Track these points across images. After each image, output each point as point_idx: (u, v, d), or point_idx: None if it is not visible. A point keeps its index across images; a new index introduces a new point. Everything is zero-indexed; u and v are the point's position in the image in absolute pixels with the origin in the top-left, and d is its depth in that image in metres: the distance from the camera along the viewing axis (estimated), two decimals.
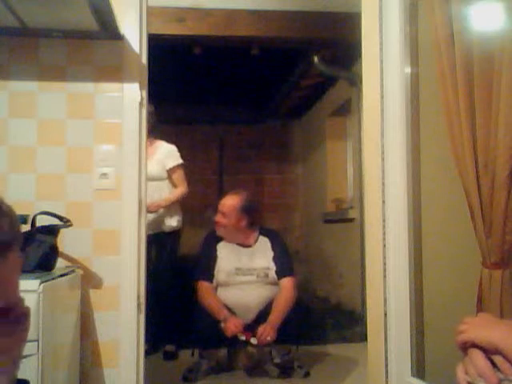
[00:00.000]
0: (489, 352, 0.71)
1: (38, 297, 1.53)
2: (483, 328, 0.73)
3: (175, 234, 3.38)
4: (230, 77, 4.66)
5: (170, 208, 3.33)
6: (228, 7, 3.34)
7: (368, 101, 2.10)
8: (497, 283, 1.63)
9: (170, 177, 3.36)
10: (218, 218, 3.00)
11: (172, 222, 3.33)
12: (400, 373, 1.89)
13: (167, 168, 3.33)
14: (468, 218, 1.68)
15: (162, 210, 3.29)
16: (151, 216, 3.17)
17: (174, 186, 3.38)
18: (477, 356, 0.71)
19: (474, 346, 0.72)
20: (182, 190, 3.37)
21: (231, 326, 2.74)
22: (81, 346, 2.00)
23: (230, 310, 2.87)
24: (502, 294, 1.62)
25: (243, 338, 2.77)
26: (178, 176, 3.37)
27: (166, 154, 3.35)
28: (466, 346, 0.74)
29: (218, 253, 2.98)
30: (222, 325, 2.76)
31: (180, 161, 3.38)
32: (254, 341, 2.76)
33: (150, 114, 3.28)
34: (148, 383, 2.15)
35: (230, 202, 3.01)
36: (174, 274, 3.34)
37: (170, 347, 3.30)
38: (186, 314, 2.95)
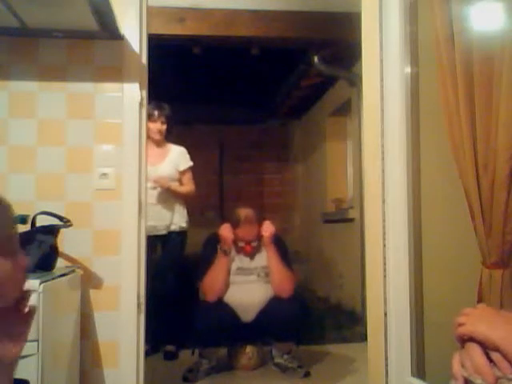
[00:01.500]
0: (487, 348, 0.70)
1: (38, 297, 1.53)
2: (483, 323, 0.72)
3: (183, 234, 3.44)
4: (230, 77, 4.66)
5: (181, 208, 3.39)
6: (228, 7, 3.34)
7: (368, 101, 2.10)
8: (497, 283, 1.62)
9: (180, 178, 3.44)
10: (253, 246, 2.98)
11: (181, 223, 3.40)
12: (400, 373, 1.89)
13: (180, 169, 3.43)
14: (468, 218, 1.68)
15: (175, 210, 3.35)
16: (167, 218, 3.30)
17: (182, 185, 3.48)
18: (474, 351, 0.70)
19: (472, 339, 0.72)
20: (190, 188, 3.46)
21: (224, 233, 2.92)
22: (81, 346, 2.00)
23: (231, 308, 2.88)
24: (502, 294, 1.62)
25: (242, 244, 2.94)
26: (188, 177, 3.48)
27: (179, 156, 3.46)
28: (463, 339, 0.73)
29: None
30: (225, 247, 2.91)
31: (191, 163, 3.50)
32: (254, 243, 2.95)
33: (168, 117, 3.38)
34: (148, 383, 2.15)
35: (256, 229, 2.99)
36: (180, 273, 3.37)
37: (170, 347, 3.31)
38: (187, 314, 2.96)
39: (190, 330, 2.92)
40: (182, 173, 3.44)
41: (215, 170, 6.17)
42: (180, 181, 3.44)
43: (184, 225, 3.41)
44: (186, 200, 3.48)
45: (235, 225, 2.98)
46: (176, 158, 3.43)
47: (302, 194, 6.28)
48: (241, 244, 2.95)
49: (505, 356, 0.68)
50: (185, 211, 3.45)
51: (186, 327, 3.02)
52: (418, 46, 1.98)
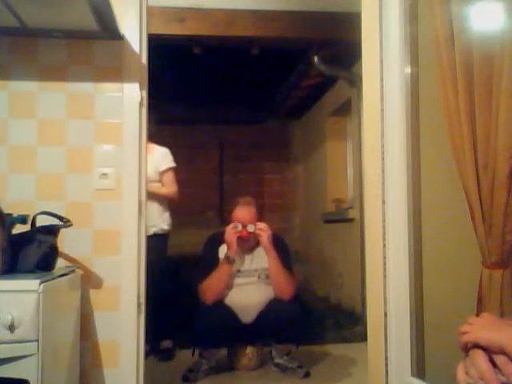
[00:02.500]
0: (492, 352, 0.70)
1: (37, 297, 1.53)
2: (488, 329, 0.72)
3: (165, 236, 3.41)
4: (230, 77, 4.66)
5: (162, 210, 3.35)
6: (228, 7, 3.34)
7: (368, 101, 2.10)
8: (497, 283, 1.62)
9: (161, 179, 3.37)
10: (248, 231, 2.91)
11: (164, 225, 3.36)
12: (400, 373, 1.89)
13: (160, 170, 3.35)
14: (468, 218, 1.68)
15: (156, 214, 3.30)
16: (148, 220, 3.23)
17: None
18: (479, 357, 0.70)
19: (476, 346, 0.72)
20: (170, 189, 3.37)
21: (230, 238, 2.87)
22: (81, 346, 2.00)
23: (231, 309, 2.88)
24: (501, 293, 1.62)
25: (239, 227, 2.88)
26: (169, 178, 3.38)
27: (161, 157, 3.38)
28: (467, 347, 0.73)
29: (220, 255, 2.98)
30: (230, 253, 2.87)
31: (173, 164, 3.41)
32: (250, 228, 2.89)
33: (150, 118, 3.34)
34: (148, 383, 2.15)
35: (252, 213, 2.96)
36: (164, 274, 3.33)
37: (167, 342, 3.30)
38: (182, 314, 2.95)
39: (189, 331, 2.92)
40: (162, 173, 3.34)
41: (215, 169, 6.18)
42: (161, 181, 3.36)
43: (165, 227, 3.35)
44: (167, 201, 3.39)
45: (233, 209, 2.98)
46: (157, 159, 3.33)
47: (302, 194, 6.29)
48: (237, 227, 2.89)
49: (510, 358, 0.67)
50: (166, 213, 3.37)
51: (183, 327, 3.02)
52: (418, 46, 1.98)
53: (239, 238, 2.91)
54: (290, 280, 2.90)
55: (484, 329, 0.72)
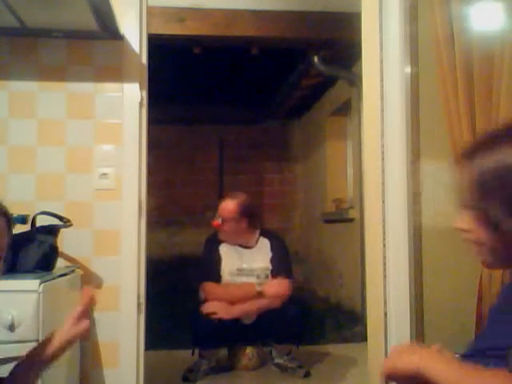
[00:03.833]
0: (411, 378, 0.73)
1: (37, 297, 1.53)
2: (404, 356, 0.77)
3: None
4: (230, 77, 4.66)
5: None
6: (228, 7, 3.34)
7: (368, 101, 2.10)
8: (497, 283, 1.63)
9: None
10: (218, 222, 2.97)
11: None
12: None
13: None
14: None
15: None
16: None
17: None
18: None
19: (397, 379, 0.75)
20: None
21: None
22: (81, 346, 2.00)
23: None
24: None
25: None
26: None
27: None
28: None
29: (221, 253, 2.98)
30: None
31: None
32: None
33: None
34: (148, 383, 2.15)
35: (229, 207, 2.98)
36: None
37: None
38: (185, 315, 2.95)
39: (191, 331, 2.92)
40: None
41: (215, 170, 6.18)
42: None
43: None
44: None
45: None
46: None
47: (302, 194, 6.29)
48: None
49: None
50: None
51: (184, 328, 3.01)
52: (418, 46, 1.99)
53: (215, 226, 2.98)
54: (285, 285, 2.89)
55: (400, 357, 0.77)
